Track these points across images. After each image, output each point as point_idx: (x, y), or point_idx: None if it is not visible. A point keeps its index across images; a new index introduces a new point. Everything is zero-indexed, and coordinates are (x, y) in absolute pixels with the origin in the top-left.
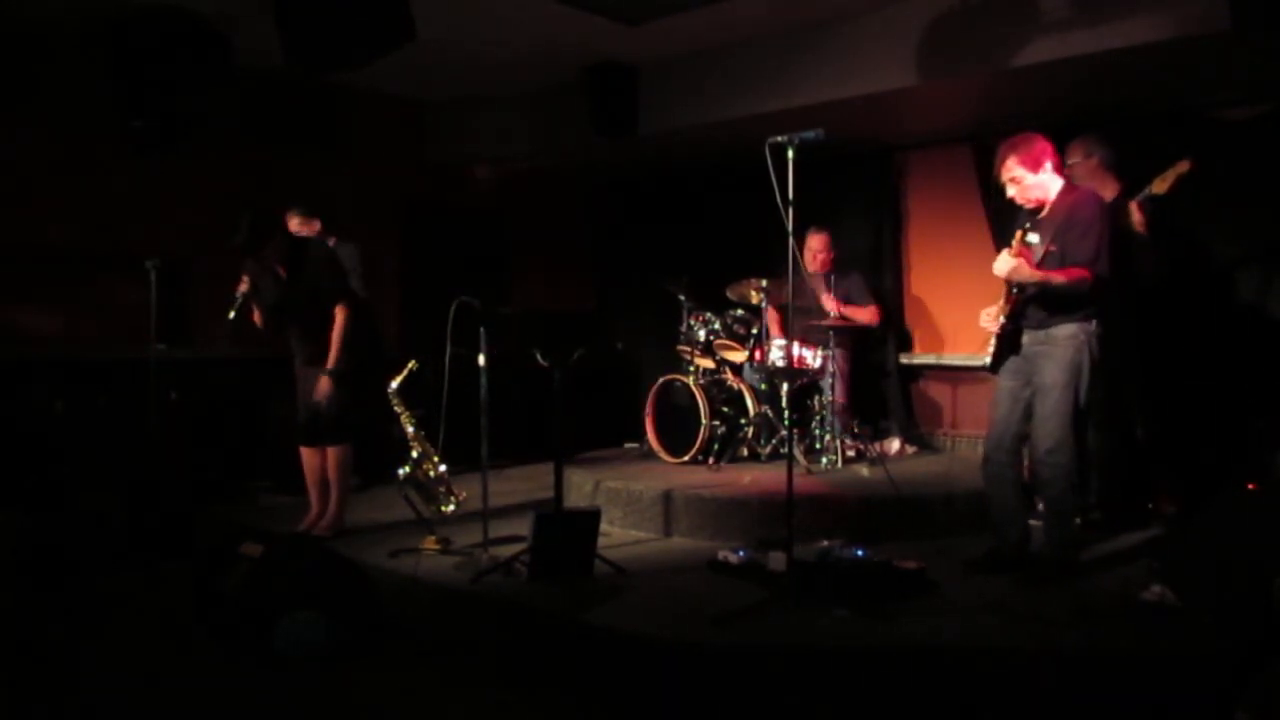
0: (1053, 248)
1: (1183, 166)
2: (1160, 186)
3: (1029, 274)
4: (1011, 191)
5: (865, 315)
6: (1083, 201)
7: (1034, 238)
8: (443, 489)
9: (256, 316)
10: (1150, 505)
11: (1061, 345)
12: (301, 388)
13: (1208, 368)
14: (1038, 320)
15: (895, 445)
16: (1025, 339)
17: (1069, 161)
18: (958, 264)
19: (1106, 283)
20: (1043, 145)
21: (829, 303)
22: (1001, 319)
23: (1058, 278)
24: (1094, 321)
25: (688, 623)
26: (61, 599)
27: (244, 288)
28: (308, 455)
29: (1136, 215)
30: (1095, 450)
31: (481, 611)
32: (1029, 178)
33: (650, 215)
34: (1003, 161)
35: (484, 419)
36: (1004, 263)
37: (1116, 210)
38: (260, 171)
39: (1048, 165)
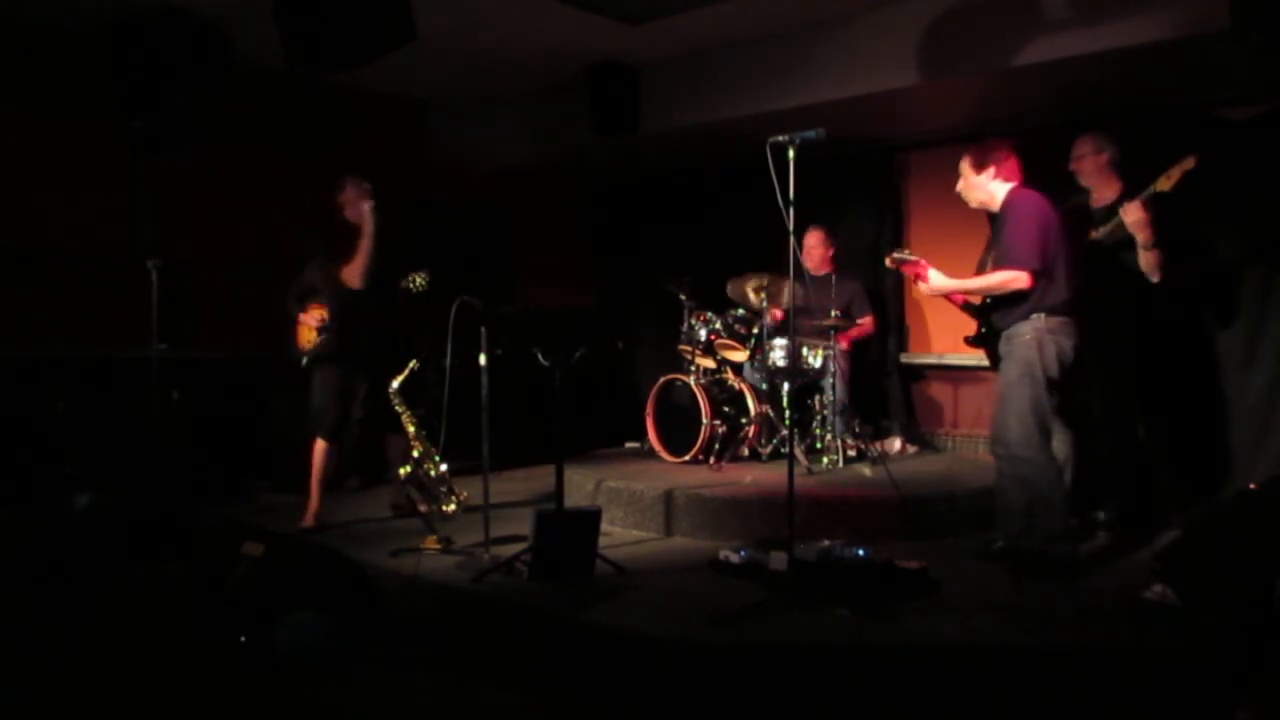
0: (997, 253)
1: (1188, 163)
2: (1165, 184)
3: (940, 285)
4: (958, 185)
5: (862, 327)
6: (1013, 201)
7: (907, 255)
8: (444, 488)
9: (358, 265)
10: (1152, 505)
11: (1015, 344)
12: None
13: (1210, 366)
14: (999, 323)
15: (896, 445)
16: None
17: (1077, 155)
18: (959, 264)
19: (1046, 275)
20: (996, 154)
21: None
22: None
23: (973, 283)
24: (1044, 316)
25: (688, 622)
26: (61, 599)
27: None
28: (331, 452)
29: (1138, 214)
30: (1097, 450)
31: (482, 611)
32: (970, 176)
33: (651, 215)
34: (962, 156)
35: (485, 418)
36: (921, 288)
37: (1110, 211)
38: (260, 171)
39: (991, 170)
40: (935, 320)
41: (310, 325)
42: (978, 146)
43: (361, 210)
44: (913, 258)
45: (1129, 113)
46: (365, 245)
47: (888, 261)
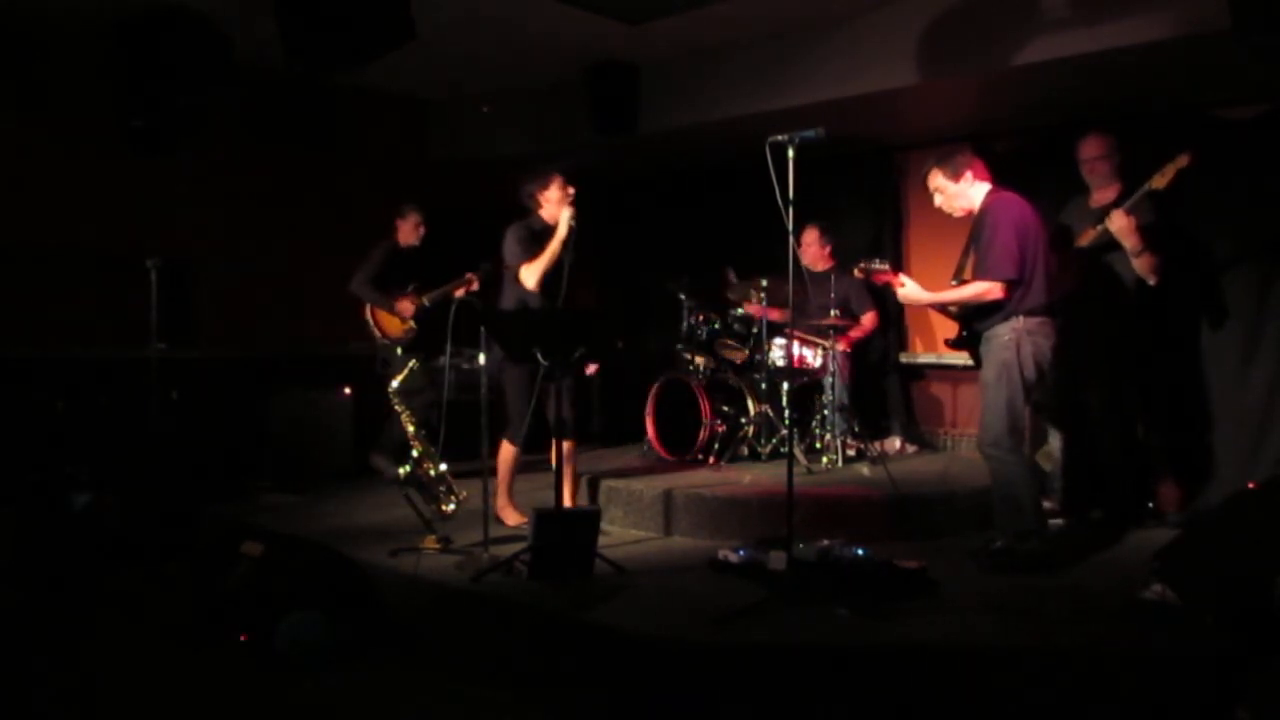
0: (976, 256)
1: (1182, 160)
2: (1160, 182)
3: (917, 298)
4: (938, 201)
5: (864, 323)
6: (991, 206)
7: (876, 264)
8: (443, 488)
9: (538, 267)
10: (1150, 504)
11: (993, 345)
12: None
13: (1209, 366)
14: (978, 325)
15: (896, 444)
16: None
17: (1093, 155)
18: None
19: (1023, 282)
20: (964, 157)
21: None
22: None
23: (950, 296)
24: (1022, 317)
25: (688, 622)
26: (61, 599)
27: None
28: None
29: (1123, 222)
30: (1096, 449)
31: (482, 611)
32: (950, 187)
33: (650, 214)
34: (928, 173)
35: (484, 418)
36: (899, 295)
37: (1101, 217)
38: (261, 171)
39: (968, 175)
40: (935, 319)
41: (406, 315)
42: (944, 159)
43: (560, 214)
44: (882, 267)
45: (1129, 112)
46: (554, 248)
47: (857, 271)
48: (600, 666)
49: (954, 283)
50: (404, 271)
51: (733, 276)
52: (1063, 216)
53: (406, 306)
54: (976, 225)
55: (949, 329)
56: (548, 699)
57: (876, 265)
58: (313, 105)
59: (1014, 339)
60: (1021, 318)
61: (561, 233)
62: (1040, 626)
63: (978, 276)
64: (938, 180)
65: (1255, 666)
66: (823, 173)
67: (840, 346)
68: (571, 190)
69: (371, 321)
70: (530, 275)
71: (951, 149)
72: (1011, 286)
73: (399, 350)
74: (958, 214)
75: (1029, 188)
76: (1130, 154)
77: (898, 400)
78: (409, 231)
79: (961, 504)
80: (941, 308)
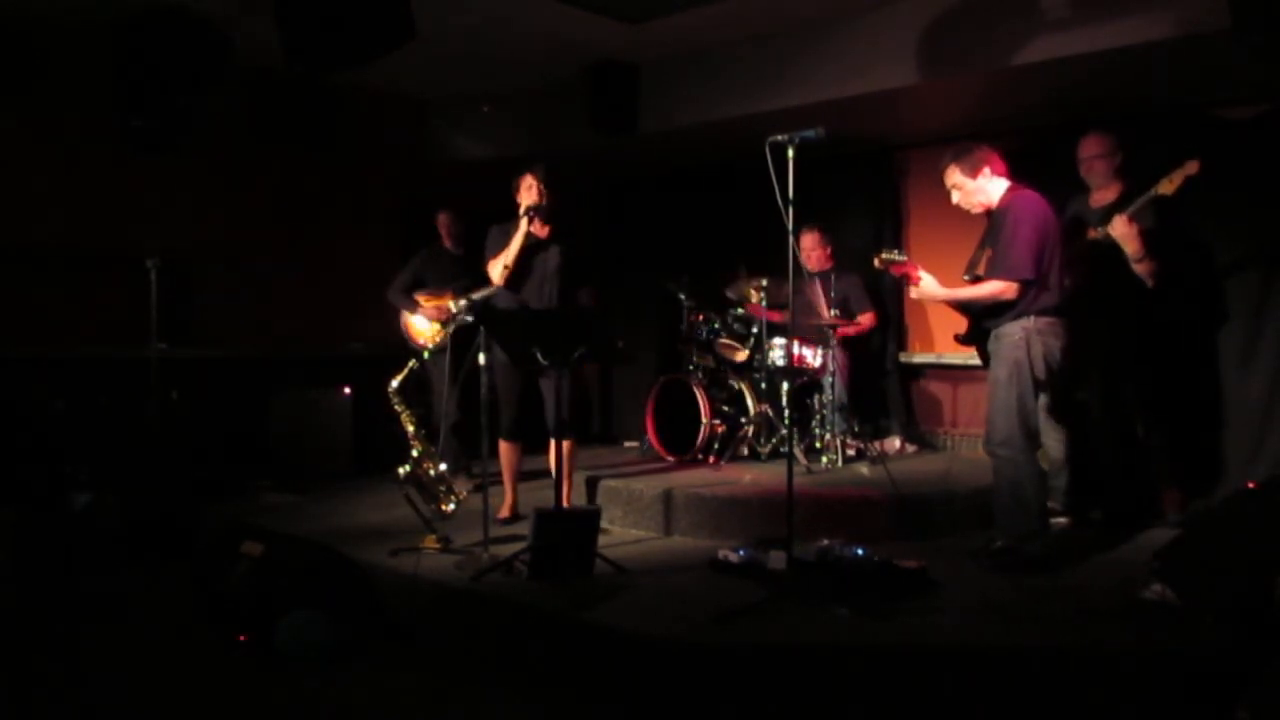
0: (991, 252)
1: (1191, 167)
2: (1167, 187)
3: (933, 294)
4: (956, 198)
5: (862, 322)
6: (1013, 203)
7: (896, 255)
8: (443, 488)
9: (499, 262)
10: (1150, 504)
11: (1003, 343)
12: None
13: (1208, 365)
14: (988, 322)
15: (896, 444)
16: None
17: (1091, 154)
18: (958, 263)
19: (1039, 283)
20: (982, 153)
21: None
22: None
23: (966, 293)
24: (1033, 317)
25: (688, 622)
26: (61, 599)
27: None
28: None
29: (1125, 229)
30: (1096, 449)
31: (482, 610)
32: (968, 184)
33: (650, 214)
34: (944, 169)
35: (484, 418)
36: (913, 293)
37: (1108, 214)
38: (261, 171)
39: (986, 170)
40: (934, 319)
41: (434, 319)
42: (961, 154)
43: (520, 207)
44: (902, 258)
45: (1129, 113)
46: (514, 245)
47: (876, 262)
48: (600, 666)
49: (966, 278)
50: (448, 274)
51: (745, 272)
52: (1063, 216)
53: (429, 308)
54: (995, 222)
55: (951, 328)
56: (547, 699)
57: (896, 256)
58: (313, 105)
59: (1024, 338)
60: (1033, 317)
61: (521, 229)
62: (1040, 626)
63: (993, 274)
64: (955, 177)
65: (1255, 666)
66: (823, 173)
67: (839, 346)
68: (534, 183)
69: (404, 328)
70: (492, 270)
71: (967, 144)
72: (1026, 287)
73: (425, 356)
74: (976, 210)
75: (1030, 187)
76: (1130, 154)
77: (898, 400)
78: (444, 231)
79: (961, 504)
80: (955, 303)
